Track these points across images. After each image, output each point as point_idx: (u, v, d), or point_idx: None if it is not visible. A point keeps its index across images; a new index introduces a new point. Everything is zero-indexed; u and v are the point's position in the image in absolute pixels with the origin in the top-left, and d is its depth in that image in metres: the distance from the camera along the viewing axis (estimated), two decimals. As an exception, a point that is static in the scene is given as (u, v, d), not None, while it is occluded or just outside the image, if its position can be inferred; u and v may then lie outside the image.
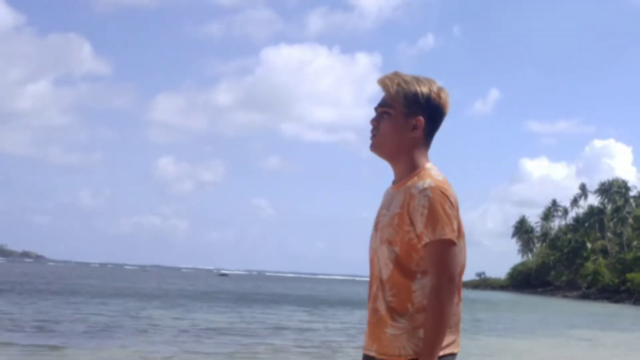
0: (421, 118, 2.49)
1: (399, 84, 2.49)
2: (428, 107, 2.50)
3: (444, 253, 2.38)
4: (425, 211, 2.37)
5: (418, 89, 2.49)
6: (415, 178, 2.46)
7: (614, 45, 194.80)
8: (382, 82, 2.53)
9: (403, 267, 2.43)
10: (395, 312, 2.44)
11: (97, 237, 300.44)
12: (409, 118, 2.48)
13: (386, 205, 2.55)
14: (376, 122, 2.52)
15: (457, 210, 2.45)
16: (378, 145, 2.53)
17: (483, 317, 29.80)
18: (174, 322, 20.89)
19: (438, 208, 2.37)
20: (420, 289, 2.42)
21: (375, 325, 2.51)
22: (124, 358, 12.95)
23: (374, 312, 2.51)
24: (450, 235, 2.38)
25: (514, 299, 66.15)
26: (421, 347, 2.39)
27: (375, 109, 2.55)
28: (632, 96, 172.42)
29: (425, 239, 2.38)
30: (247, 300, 37.60)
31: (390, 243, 2.45)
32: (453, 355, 2.48)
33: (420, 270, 2.42)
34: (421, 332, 2.40)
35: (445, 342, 2.41)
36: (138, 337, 16.41)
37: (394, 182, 2.58)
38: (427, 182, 2.41)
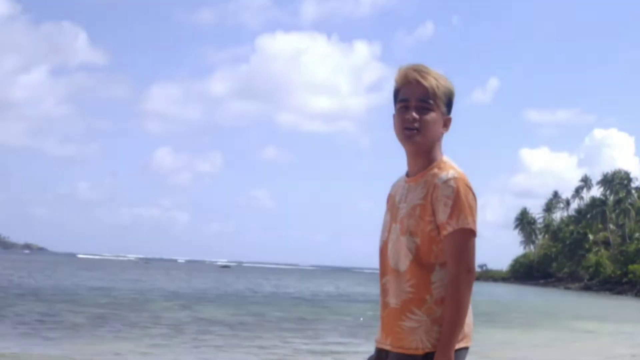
0: (450, 117, 2.57)
1: (437, 80, 2.51)
2: (452, 105, 2.59)
3: (465, 243, 2.40)
4: (450, 201, 2.40)
5: (452, 88, 2.55)
6: (436, 170, 2.48)
7: (615, 34, 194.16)
8: (420, 76, 2.51)
9: (422, 258, 2.43)
10: (413, 304, 2.43)
11: (97, 228, 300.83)
12: (444, 115, 2.54)
13: (402, 197, 2.55)
14: (417, 115, 2.49)
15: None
16: (419, 139, 2.50)
17: (484, 310, 29.76)
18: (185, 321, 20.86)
19: (462, 198, 2.40)
20: (439, 281, 2.42)
21: (388, 318, 2.50)
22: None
23: (386, 305, 2.51)
24: (472, 225, 2.40)
25: (515, 290, 66.17)
26: (439, 338, 2.38)
27: (409, 101, 2.51)
28: (634, 85, 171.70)
29: (449, 229, 2.39)
30: (253, 296, 37.66)
31: (411, 234, 2.45)
32: (466, 349, 2.48)
33: (439, 262, 2.43)
34: (439, 326, 2.39)
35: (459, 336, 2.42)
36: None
37: (408, 175, 2.59)
38: (450, 173, 2.44)
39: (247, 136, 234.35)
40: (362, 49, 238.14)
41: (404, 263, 2.46)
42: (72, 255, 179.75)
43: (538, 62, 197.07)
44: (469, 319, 2.47)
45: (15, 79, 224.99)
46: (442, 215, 2.40)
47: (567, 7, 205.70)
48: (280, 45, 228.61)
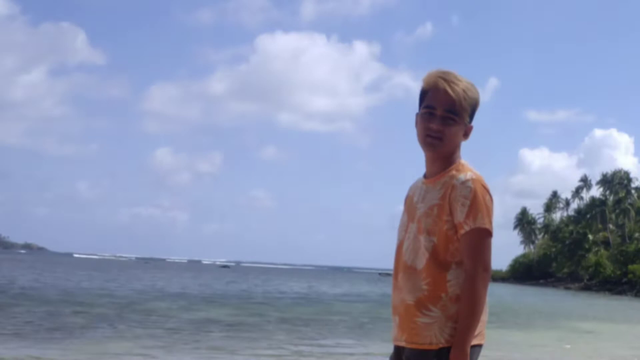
0: (472, 126, 2.64)
1: (464, 92, 2.57)
2: (475, 113, 2.67)
3: (482, 242, 2.48)
4: (467, 202, 2.48)
5: (478, 98, 2.61)
6: (454, 172, 2.56)
7: (614, 33, 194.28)
8: (449, 86, 2.55)
9: (439, 257, 2.50)
10: (428, 301, 2.50)
11: (97, 228, 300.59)
12: (466, 125, 2.62)
13: (420, 198, 2.62)
14: (441, 126, 2.56)
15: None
16: (440, 148, 2.58)
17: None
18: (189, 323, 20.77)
19: (479, 199, 2.49)
20: (455, 279, 2.49)
21: (403, 315, 2.56)
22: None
23: (402, 302, 2.57)
24: (488, 225, 2.50)
25: (515, 290, 66.11)
26: (455, 334, 2.45)
27: (434, 109, 2.56)
28: (634, 85, 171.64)
29: (466, 228, 2.47)
30: (253, 296, 37.57)
31: (428, 233, 2.52)
32: (480, 346, 2.53)
33: (455, 261, 2.50)
34: (453, 323, 2.46)
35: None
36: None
37: (426, 177, 2.66)
38: (468, 175, 2.53)
39: (246, 136, 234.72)
40: (361, 49, 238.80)
41: (421, 261, 2.52)
42: (69, 255, 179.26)
43: (537, 62, 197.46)
44: (484, 316, 2.53)
45: (15, 79, 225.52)
46: (459, 215, 2.48)
47: (566, 7, 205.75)
48: (279, 45, 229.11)
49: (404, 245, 2.61)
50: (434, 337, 2.47)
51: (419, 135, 2.61)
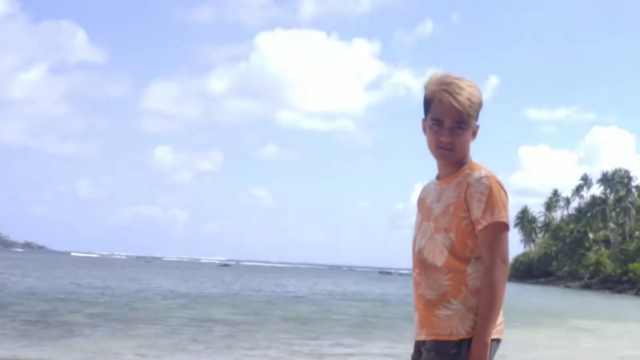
0: (478, 125, 2.66)
1: (469, 100, 2.58)
2: (479, 113, 2.68)
3: (500, 235, 2.52)
4: (484, 197, 2.52)
5: (482, 98, 2.63)
6: (468, 170, 2.61)
7: (615, 31, 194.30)
8: (454, 98, 2.55)
9: (458, 252, 2.54)
10: (450, 295, 2.54)
11: (97, 227, 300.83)
12: (473, 127, 2.65)
13: (436, 198, 2.66)
14: (451, 138, 2.58)
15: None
16: (452, 157, 2.62)
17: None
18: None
19: (495, 194, 2.53)
20: (475, 272, 2.53)
21: (423, 309, 2.60)
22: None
23: (421, 298, 2.61)
24: (505, 219, 2.53)
25: (515, 289, 66.08)
26: (475, 326, 2.48)
27: (442, 121, 2.57)
28: (634, 82, 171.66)
29: (483, 223, 2.51)
30: (253, 295, 37.53)
31: (446, 230, 2.57)
32: (498, 341, 2.56)
33: (474, 256, 2.54)
34: (474, 315, 2.49)
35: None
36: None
37: (439, 178, 2.70)
38: (482, 172, 2.57)
39: (246, 134, 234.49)
40: (361, 47, 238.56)
41: (441, 259, 2.56)
42: (67, 254, 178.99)
43: (538, 60, 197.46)
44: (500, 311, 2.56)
45: (15, 78, 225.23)
46: (476, 211, 2.52)
47: (566, 5, 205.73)
48: (279, 43, 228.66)
49: (419, 244, 2.66)
50: (454, 329, 2.50)
51: (429, 145, 2.65)
